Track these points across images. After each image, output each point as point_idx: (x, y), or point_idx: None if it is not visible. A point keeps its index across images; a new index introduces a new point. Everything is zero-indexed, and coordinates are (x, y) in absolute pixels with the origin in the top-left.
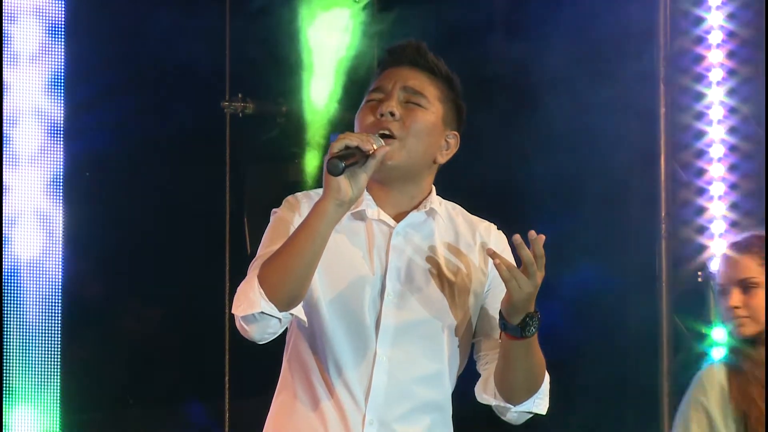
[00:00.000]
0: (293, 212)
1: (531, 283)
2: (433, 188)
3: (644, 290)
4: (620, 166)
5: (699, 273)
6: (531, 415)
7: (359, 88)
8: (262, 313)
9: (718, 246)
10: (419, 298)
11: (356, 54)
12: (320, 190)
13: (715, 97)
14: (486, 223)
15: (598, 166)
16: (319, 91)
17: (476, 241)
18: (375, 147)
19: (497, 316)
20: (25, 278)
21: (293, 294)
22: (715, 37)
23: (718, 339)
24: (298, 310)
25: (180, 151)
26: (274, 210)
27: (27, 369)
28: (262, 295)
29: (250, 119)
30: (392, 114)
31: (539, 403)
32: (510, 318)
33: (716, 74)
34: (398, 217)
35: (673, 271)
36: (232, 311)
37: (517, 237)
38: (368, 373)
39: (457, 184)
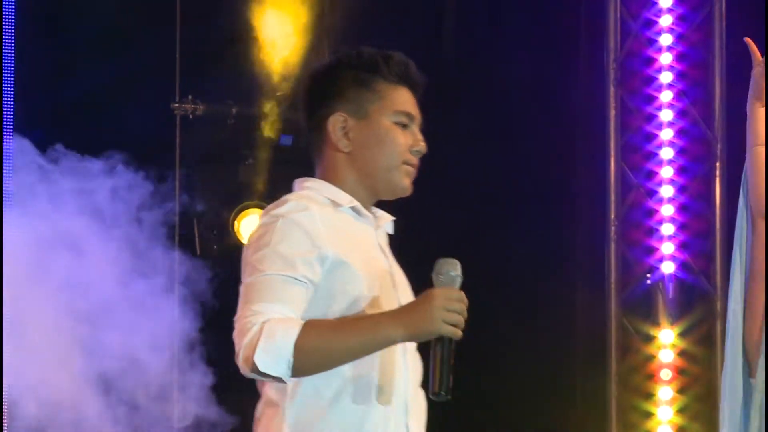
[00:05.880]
0: (306, 233)
1: None
2: None
3: (593, 292)
4: (569, 167)
5: (648, 275)
6: None
7: None
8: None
9: (667, 248)
10: (407, 292)
11: (306, 53)
12: (330, 192)
13: (665, 100)
14: None
15: (546, 167)
16: (268, 92)
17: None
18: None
19: None
20: None
21: (315, 374)
22: (666, 39)
23: (666, 341)
24: None
25: (130, 153)
26: (278, 214)
27: None
28: (289, 365)
29: (200, 120)
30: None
31: None
32: None
33: (666, 77)
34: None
35: (622, 273)
36: (253, 358)
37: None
38: (404, 376)
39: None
